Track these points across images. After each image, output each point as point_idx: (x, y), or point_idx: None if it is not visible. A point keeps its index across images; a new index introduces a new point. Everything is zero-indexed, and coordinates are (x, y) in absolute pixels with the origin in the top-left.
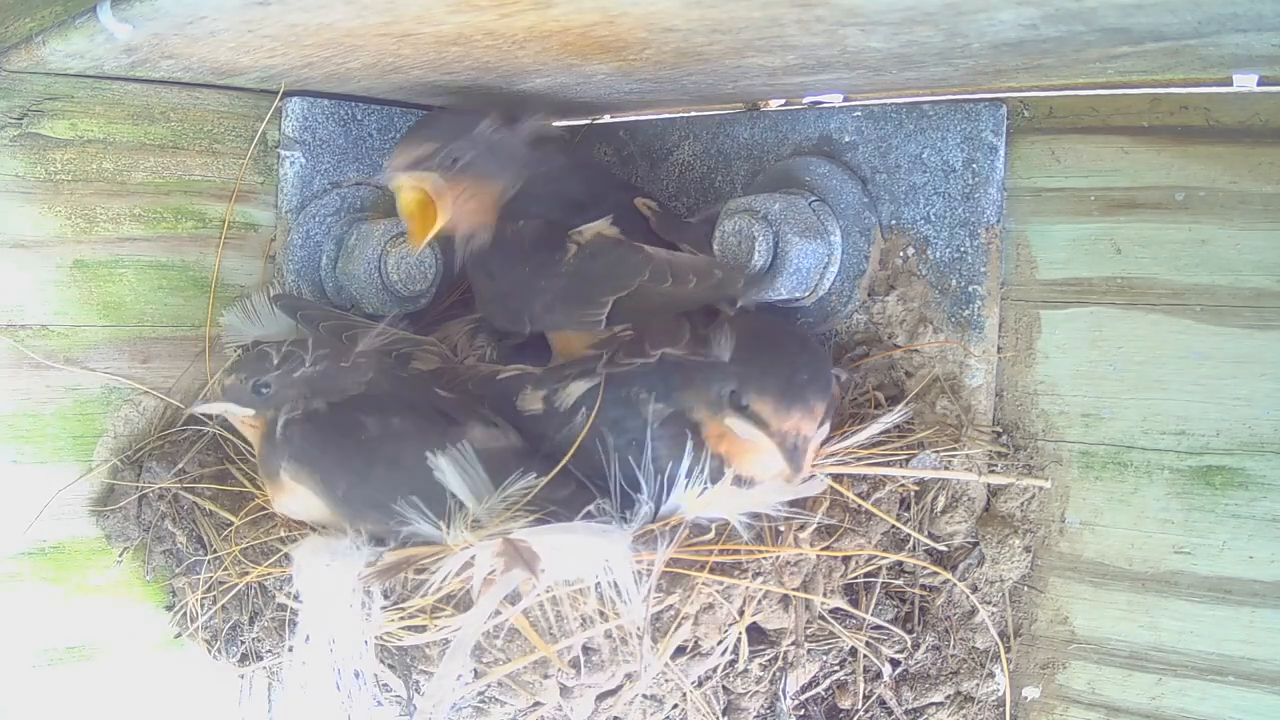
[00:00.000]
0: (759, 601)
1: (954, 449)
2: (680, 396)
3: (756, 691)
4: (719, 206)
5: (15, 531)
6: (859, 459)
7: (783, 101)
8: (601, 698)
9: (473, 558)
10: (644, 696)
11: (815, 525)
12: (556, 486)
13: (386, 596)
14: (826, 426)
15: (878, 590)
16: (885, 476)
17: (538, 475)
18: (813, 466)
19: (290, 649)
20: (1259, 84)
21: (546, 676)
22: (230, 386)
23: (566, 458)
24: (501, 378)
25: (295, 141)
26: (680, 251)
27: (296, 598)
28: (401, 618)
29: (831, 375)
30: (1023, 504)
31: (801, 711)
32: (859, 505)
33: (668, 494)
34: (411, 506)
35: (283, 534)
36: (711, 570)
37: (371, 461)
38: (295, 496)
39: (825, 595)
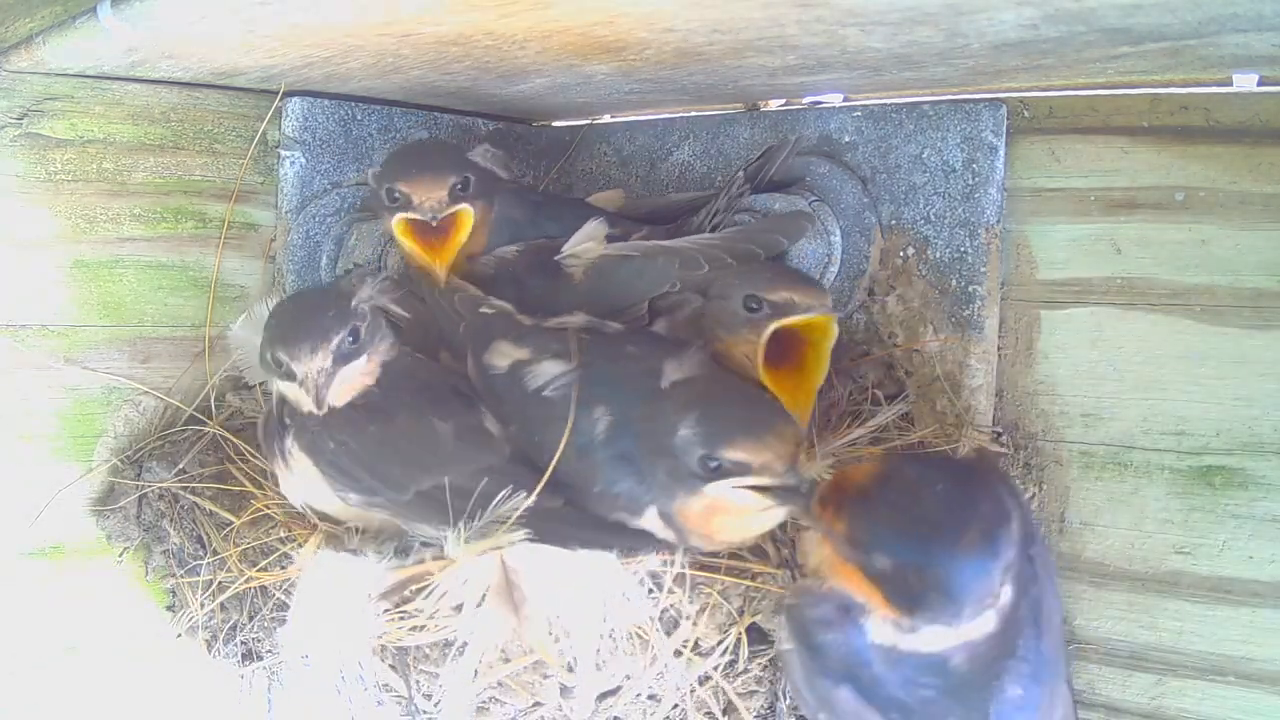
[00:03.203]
0: (759, 602)
1: (953, 448)
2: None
3: (756, 691)
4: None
5: (15, 531)
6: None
7: (783, 101)
8: (602, 698)
9: (467, 579)
10: (645, 696)
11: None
12: (547, 499)
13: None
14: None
15: None
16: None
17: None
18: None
19: (290, 650)
20: (1259, 84)
21: (546, 677)
22: (337, 350)
23: (549, 471)
24: (484, 310)
25: (295, 141)
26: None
27: (299, 609)
28: (402, 619)
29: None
30: None
31: (801, 712)
32: None
33: None
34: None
35: (283, 534)
36: (709, 569)
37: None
38: None
39: None
